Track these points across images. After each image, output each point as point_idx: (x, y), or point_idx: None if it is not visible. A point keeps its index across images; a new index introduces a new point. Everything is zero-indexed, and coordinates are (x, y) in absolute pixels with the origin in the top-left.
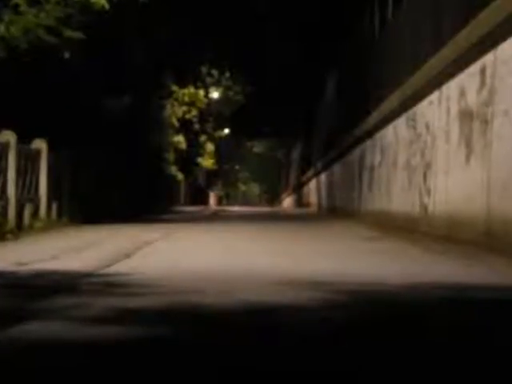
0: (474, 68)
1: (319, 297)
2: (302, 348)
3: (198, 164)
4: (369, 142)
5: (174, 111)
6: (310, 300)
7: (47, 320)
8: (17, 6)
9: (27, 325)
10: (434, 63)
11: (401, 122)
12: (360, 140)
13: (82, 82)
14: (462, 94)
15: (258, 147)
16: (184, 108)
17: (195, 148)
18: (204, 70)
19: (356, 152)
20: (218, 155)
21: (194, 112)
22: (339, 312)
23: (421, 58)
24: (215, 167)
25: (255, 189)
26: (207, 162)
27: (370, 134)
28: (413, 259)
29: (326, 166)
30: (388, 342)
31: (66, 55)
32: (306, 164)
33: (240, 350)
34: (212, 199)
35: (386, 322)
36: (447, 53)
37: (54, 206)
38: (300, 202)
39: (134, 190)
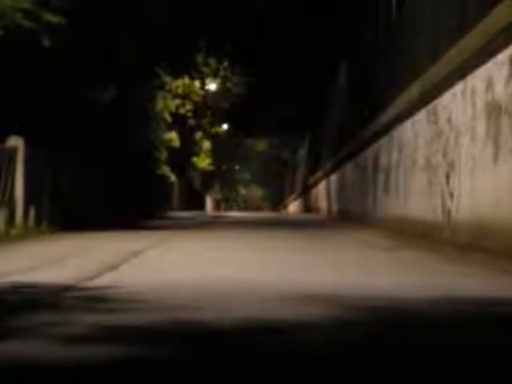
0: (503, 56)
1: (330, 314)
2: (310, 375)
3: (193, 164)
4: (384, 140)
5: (166, 105)
6: (319, 317)
7: (24, 339)
8: None
9: (1, 344)
10: (458, 51)
11: (420, 117)
12: (374, 137)
13: (62, 72)
14: (489, 85)
15: (260, 145)
16: (177, 101)
17: (190, 146)
18: (200, 58)
19: (370, 151)
20: (216, 154)
21: (189, 106)
22: (352, 332)
23: (443, 44)
24: (212, 168)
25: (257, 192)
26: (203, 162)
27: (385, 130)
28: (434, 271)
29: (337, 167)
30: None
31: (46, 42)
32: (314, 164)
33: (237, 376)
34: (209, 204)
35: (406, 347)
36: (472, 39)
37: (32, 211)
38: (307, 207)
39: (121, 193)
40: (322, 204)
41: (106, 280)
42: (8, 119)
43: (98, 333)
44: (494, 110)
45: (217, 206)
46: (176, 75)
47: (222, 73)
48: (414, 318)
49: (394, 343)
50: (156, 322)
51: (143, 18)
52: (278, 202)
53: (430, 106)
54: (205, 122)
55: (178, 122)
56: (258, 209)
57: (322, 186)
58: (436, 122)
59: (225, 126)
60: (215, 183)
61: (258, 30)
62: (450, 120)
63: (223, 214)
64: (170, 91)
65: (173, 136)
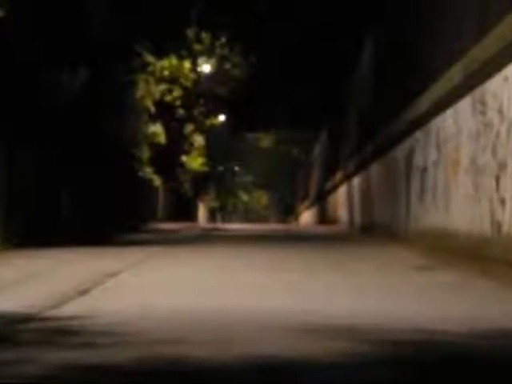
0: None
1: (355, 350)
2: None
3: (182, 164)
4: (419, 134)
5: (150, 91)
6: (340, 354)
7: None
8: None
9: None
10: (510, 24)
11: (464, 106)
12: (407, 131)
13: (20, 51)
14: None
15: (265, 141)
16: (163, 86)
17: (179, 142)
18: (191, 32)
19: (401, 148)
20: (211, 152)
21: (177, 92)
22: (380, 374)
23: (492, 15)
24: (206, 169)
25: (262, 199)
26: (195, 162)
27: (421, 122)
28: (482, 296)
29: (361, 168)
30: None
31: (0, 12)
32: (332, 165)
33: None
34: (202, 213)
35: None
36: None
37: None
38: (324, 218)
39: (93, 200)
40: (342, 213)
41: (73, 308)
42: None
43: (62, 373)
44: None
45: (212, 215)
46: (161, 54)
47: (218, 51)
48: (458, 355)
49: None
50: (134, 359)
51: None
52: (287, 212)
53: (476, 93)
54: (197, 112)
55: (164, 112)
56: (262, 220)
57: (342, 191)
58: (483, 113)
59: (221, 118)
60: (210, 188)
61: None
62: (500, 110)
63: (220, 225)
64: (153, 74)
65: (157, 130)
